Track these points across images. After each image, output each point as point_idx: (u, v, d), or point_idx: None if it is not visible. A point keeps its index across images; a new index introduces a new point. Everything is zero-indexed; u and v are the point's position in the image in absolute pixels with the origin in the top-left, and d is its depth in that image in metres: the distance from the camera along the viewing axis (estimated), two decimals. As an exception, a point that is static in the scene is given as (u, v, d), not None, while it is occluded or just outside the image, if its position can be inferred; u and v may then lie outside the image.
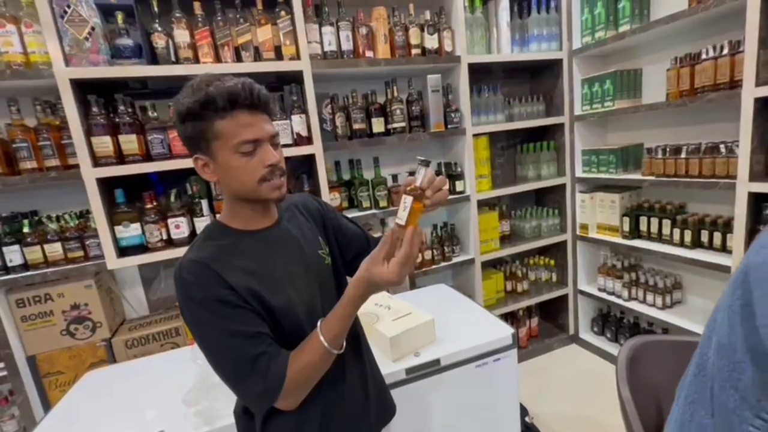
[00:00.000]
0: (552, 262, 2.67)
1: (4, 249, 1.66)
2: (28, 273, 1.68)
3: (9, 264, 1.69)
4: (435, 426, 1.39)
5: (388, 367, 1.32)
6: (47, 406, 1.73)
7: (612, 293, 2.42)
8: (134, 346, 1.78)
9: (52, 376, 1.74)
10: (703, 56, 1.80)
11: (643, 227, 2.18)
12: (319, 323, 0.77)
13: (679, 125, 2.12)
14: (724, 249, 1.88)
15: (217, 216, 0.88)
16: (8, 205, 1.82)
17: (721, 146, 1.79)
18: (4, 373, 1.70)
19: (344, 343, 0.78)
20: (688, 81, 1.84)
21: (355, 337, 0.97)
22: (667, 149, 1.98)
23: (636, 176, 2.13)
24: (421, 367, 1.34)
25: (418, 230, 0.73)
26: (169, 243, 1.76)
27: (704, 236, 1.94)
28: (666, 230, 2.06)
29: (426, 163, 0.74)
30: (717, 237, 1.90)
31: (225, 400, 1.18)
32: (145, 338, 1.78)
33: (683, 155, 1.92)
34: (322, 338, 0.75)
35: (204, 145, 0.78)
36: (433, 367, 1.35)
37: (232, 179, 0.79)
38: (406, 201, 0.73)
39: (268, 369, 0.75)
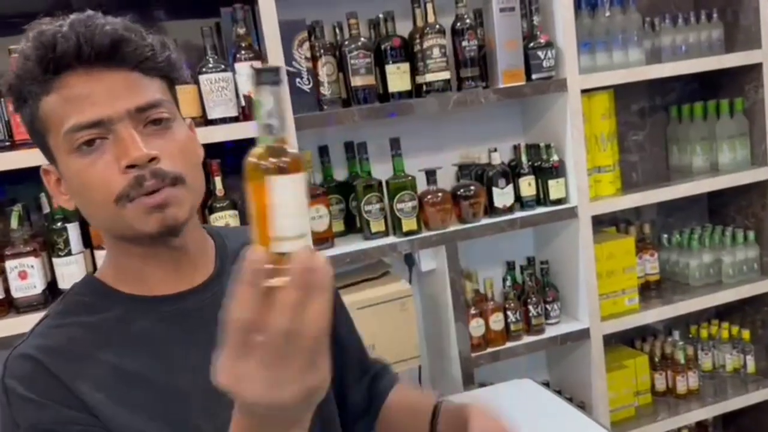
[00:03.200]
0: (746, 334, 2.17)
1: None
2: None
3: None
4: None
5: None
6: None
7: None
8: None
9: None
10: None
11: None
12: None
13: None
14: None
15: (96, 270, 0.84)
16: None
17: None
18: None
19: None
20: None
21: None
22: None
23: None
24: None
25: (302, 256, 0.46)
26: (8, 305, 1.51)
27: None
28: None
29: (273, 75, 0.49)
30: None
31: None
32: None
33: None
34: None
35: (40, 142, 0.72)
36: None
37: (78, 202, 0.72)
38: (277, 182, 0.47)
39: None
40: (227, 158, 1.71)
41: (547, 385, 1.82)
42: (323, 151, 1.80)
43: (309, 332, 0.45)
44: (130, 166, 0.65)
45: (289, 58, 1.60)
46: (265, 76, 0.49)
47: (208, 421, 0.73)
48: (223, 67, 1.57)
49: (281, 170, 0.47)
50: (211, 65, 1.56)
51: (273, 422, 0.49)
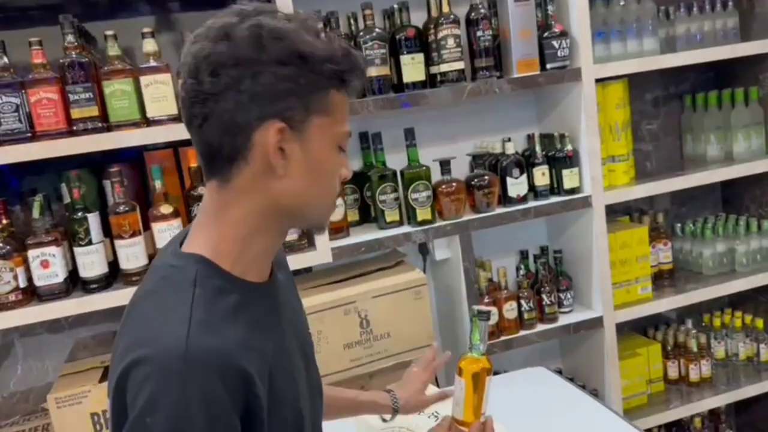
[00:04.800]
0: (759, 322, 2.23)
1: None
2: None
3: None
4: None
5: None
6: None
7: None
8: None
9: None
10: None
11: None
12: None
13: None
14: None
15: (194, 248, 0.76)
16: None
17: None
18: None
19: None
20: None
21: None
22: None
23: None
24: None
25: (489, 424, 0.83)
26: (31, 294, 1.53)
27: None
28: None
29: (485, 316, 0.89)
30: None
31: None
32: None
33: None
34: None
35: (299, 111, 0.71)
36: None
37: (307, 185, 0.74)
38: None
39: None
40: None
41: (560, 373, 1.85)
42: (337, 141, 1.83)
43: None
44: (346, 182, 0.88)
45: (304, 48, 1.61)
46: (483, 317, 0.89)
47: (307, 407, 0.79)
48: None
49: (483, 374, 0.87)
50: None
51: None
